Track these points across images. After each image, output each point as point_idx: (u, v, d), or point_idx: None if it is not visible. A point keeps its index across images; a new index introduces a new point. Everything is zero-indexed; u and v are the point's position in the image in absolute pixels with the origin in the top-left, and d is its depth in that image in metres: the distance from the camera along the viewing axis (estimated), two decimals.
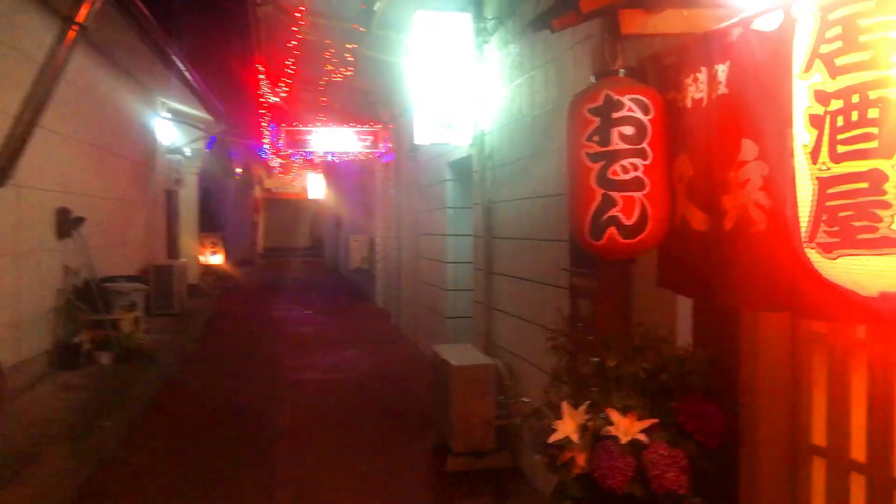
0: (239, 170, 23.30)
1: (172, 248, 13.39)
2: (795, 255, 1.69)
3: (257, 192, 31.45)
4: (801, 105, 1.58)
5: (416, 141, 8.54)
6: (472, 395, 5.23)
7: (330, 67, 8.48)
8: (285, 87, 10.30)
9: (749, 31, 1.93)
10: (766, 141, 1.91)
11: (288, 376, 7.98)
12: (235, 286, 17.54)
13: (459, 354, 5.54)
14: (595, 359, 3.04)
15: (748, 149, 1.96)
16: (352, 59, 8.34)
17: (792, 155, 1.64)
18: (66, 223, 7.34)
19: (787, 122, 1.67)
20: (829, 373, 2.36)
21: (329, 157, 12.51)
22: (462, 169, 7.51)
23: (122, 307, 7.94)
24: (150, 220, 11.67)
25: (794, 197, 1.64)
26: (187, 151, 14.14)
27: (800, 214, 1.61)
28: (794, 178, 1.63)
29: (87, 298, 7.47)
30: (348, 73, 8.60)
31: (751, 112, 1.96)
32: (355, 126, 12.00)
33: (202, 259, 16.15)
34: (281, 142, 11.80)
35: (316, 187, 32.02)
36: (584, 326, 3.79)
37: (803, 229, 1.61)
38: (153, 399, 6.76)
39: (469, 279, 7.63)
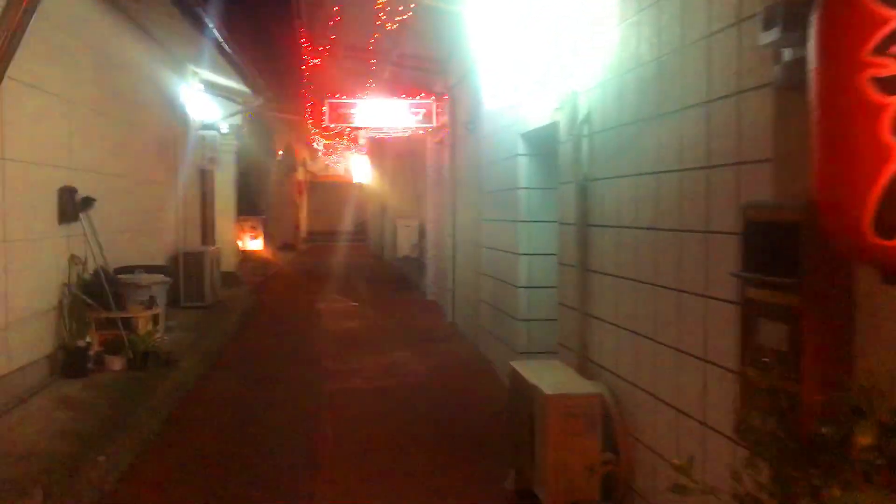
0: (280, 151, 22.28)
1: (207, 232, 12.34)
2: None
3: (300, 175, 30.49)
4: None
5: (487, 106, 7.28)
6: (571, 432, 3.95)
7: (382, 16, 7.20)
8: (328, 48, 9.09)
9: None
10: None
11: (330, 384, 6.81)
12: (276, 273, 16.50)
13: (549, 376, 4.27)
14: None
15: None
16: (405, 8, 7.06)
17: None
18: (72, 205, 6.24)
19: None
20: None
21: (376, 133, 11.28)
22: (541, 141, 6.20)
23: (138, 303, 6.84)
24: (180, 202, 10.61)
25: None
26: (224, 128, 13.08)
27: None
28: None
29: (96, 293, 6.38)
30: (401, 20, 7.30)
31: None
32: (406, 98, 10.74)
33: (240, 244, 15.11)
34: (325, 116, 10.60)
35: (360, 169, 31.11)
36: (775, 364, 2.49)
37: None
38: (168, 417, 5.63)
39: (550, 275, 6.34)
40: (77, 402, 5.35)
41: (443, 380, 7.02)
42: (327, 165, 34.41)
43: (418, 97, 10.76)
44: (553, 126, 5.44)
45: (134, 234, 8.41)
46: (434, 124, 10.72)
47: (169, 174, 10.13)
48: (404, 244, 13.35)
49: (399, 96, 10.75)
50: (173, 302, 9.72)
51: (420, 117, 10.68)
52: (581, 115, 4.67)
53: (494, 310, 7.28)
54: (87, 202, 6.47)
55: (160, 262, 9.18)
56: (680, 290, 3.43)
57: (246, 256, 15.49)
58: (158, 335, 6.88)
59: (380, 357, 8.03)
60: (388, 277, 16.22)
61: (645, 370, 3.79)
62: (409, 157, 14.99)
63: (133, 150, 8.49)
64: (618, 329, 4.15)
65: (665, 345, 3.55)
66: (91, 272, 6.49)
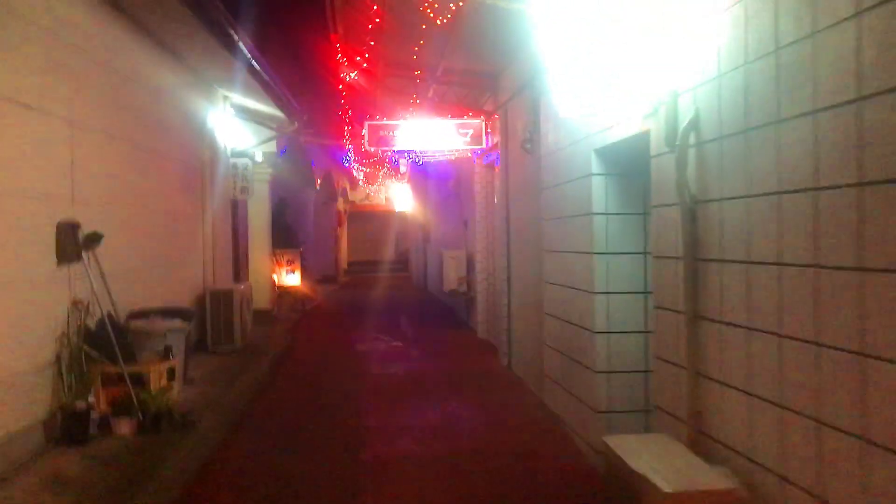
0: (319, 181, 21.67)
1: (239, 268, 11.63)
2: None
3: (340, 205, 29.92)
4: None
5: (550, 120, 6.41)
6: None
7: (429, 12, 6.36)
8: (367, 62, 8.30)
9: None
10: None
11: (372, 448, 5.89)
12: (314, 310, 15.71)
13: (659, 460, 3.29)
14: None
15: None
16: (455, 7, 6.22)
17: None
18: (74, 242, 5.48)
19: None
20: None
21: (419, 158, 10.47)
22: (621, 156, 5.26)
23: (152, 353, 6.03)
24: (209, 235, 9.88)
25: None
26: (258, 156, 12.43)
27: None
28: None
29: (102, 344, 5.58)
30: (453, 14, 6.45)
31: None
32: (452, 118, 9.91)
33: (276, 279, 14.38)
34: (364, 140, 9.81)
35: (402, 198, 30.52)
36: None
37: None
38: (180, 496, 4.76)
39: (633, 318, 5.38)
40: (71, 479, 4.52)
41: (505, 442, 6.04)
42: (368, 194, 33.89)
43: (465, 117, 9.92)
44: (640, 138, 4.51)
45: (153, 273, 7.66)
46: (484, 146, 9.85)
47: (195, 206, 9.41)
48: (451, 277, 12.43)
49: (445, 116, 9.93)
50: (200, 346, 8.97)
51: (468, 138, 9.82)
52: (685, 120, 3.73)
53: (563, 357, 6.30)
54: (93, 238, 5.71)
55: (184, 302, 8.42)
56: (861, 353, 2.45)
57: (282, 292, 14.74)
58: (175, 391, 6.04)
59: (429, 410, 7.09)
60: (434, 312, 15.31)
61: (799, 459, 2.79)
62: (455, 182, 14.13)
63: (153, 178, 7.78)
64: (750, 398, 3.16)
65: (837, 429, 2.56)
66: (96, 319, 5.70)
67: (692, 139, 3.70)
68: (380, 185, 30.81)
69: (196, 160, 9.52)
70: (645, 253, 5.42)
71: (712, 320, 3.50)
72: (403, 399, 7.59)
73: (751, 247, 3.17)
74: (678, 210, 3.79)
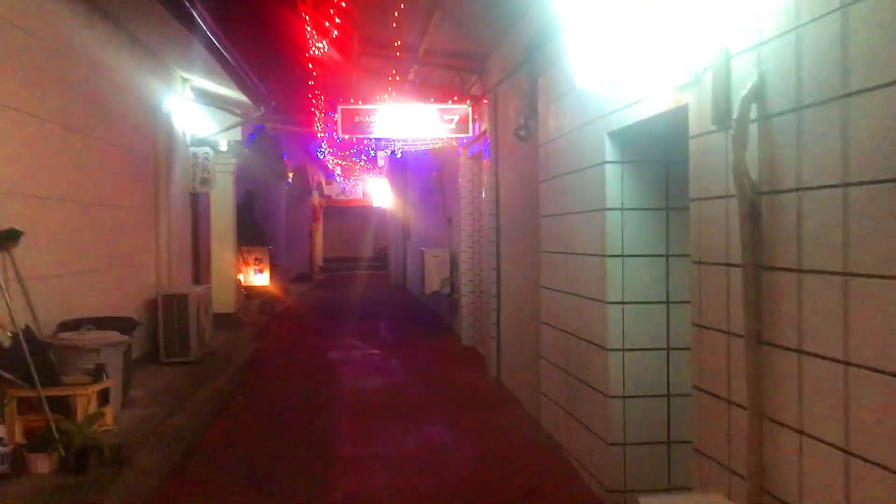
0: (291, 174, 20.75)
1: (200, 268, 10.71)
2: None
3: (315, 200, 28.99)
4: None
5: (550, 102, 5.63)
6: None
7: None
8: (337, 29, 7.44)
9: None
10: None
11: (346, 485, 5.05)
12: (284, 312, 14.80)
13: None
14: None
15: None
16: None
17: None
18: None
19: None
20: None
21: (399, 147, 9.63)
22: (642, 140, 4.48)
23: (81, 374, 5.14)
24: (164, 232, 8.97)
25: None
26: (222, 145, 11.50)
27: None
28: None
29: (15, 363, 4.69)
30: None
31: None
32: (435, 102, 9.07)
33: (242, 279, 13.47)
34: (337, 126, 8.94)
35: (380, 193, 29.70)
36: None
37: None
38: None
39: (655, 332, 4.61)
40: None
41: (500, 477, 5.22)
42: (345, 189, 33.02)
43: (450, 102, 9.09)
44: (673, 115, 3.71)
45: (93, 277, 6.77)
46: (470, 134, 9.03)
47: (147, 199, 8.50)
48: (433, 278, 11.59)
49: (427, 101, 9.09)
50: (151, 357, 8.07)
51: (453, 125, 8.99)
52: (743, 88, 2.92)
53: (565, 375, 5.49)
54: (8, 236, 4.82)
55: (131, 309, 7.52)
56: None
57: (250, 293, 13.83)
58: (109, 418, 5.15)
59: (410, 435, 6.27)
60: (415, 315, 14.46)
61: None
62: (437, 176, 13.30)
63: (93, 167, 6.88)
64: (849, 458, 2.36)
65: None
66: (10, 336, 4.80)
67: (754, 112, 2.89)
68: (357, 179, 29.96)
69: (148, 148, 8.60)
70: (667, 255, 4.63)
71: (786, 348, 2.71)
72: (381, 420, 6.75)
73: (849, 252, 2.37)
74: (731, 204, 3.00)
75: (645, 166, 4.60)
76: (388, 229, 29.21)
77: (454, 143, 9.69)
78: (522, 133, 6.93)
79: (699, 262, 3.41)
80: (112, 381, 5.24)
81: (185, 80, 10.07)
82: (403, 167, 21.23)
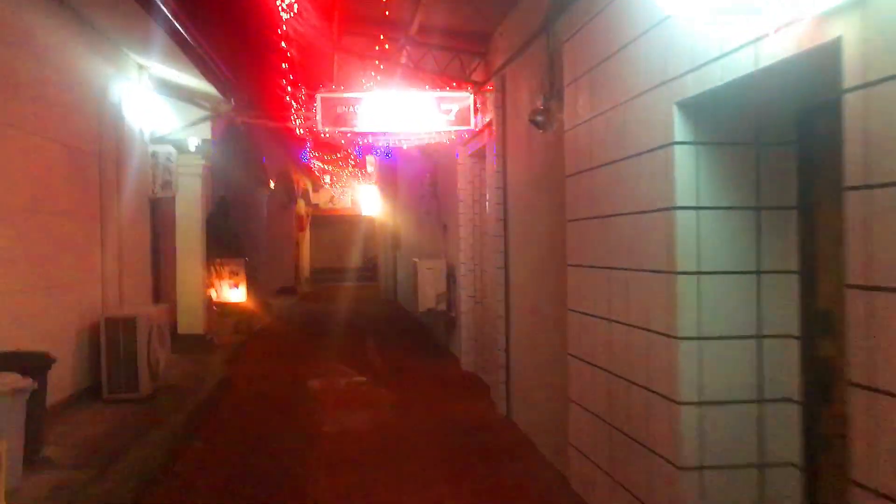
0: (272, 181, 19.45)
1: (161, 284, 9.43)
2: None
3: (301, 208, 27.69)
4: None
5: (581, 72, 4.43)
6: None
7: None
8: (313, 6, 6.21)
9: None
10: None
11: None
12: (262, 331, 13.46)
13: None
14: None
15: None
16: None
17: None
18: None
19: None
20: None
21: (388, 143, 8.39)
22: (730, 111, 3.29)
23: None
24: (113, 243, 7.69)
25: None
26: (191, 145, 10.24)
27: None
28: None
29: None
30: None
31: None
32: (430, 90, 7.83)
33: (215, 295, 12.17)
34: (317, 118, 7.68)
35: (369, 201, 28.51)
36: None
37: None
38: None
39: (745, 378, 3.37)
40: None
41: None
42: (332, 197, 31.79)
43: (448, 88, 7.85)
44: (802, 61, 2.48)
45: (12, 300, 5.49)
46: (472, 126, 7.79)
47: (90, 204, 7.22)
48: (428, 293, 10.32)
49: (421, 87, 7.85)
50: (92, 394, 6.79)
51: (452, 117, 7.74)
52: None
53: (610, 429, 4.23)
54: None
55: (64, 338, 6.25)
56: None
57: (223, 311, 12.53)
58: None
59: (403, 496, 4.99)
60: (407, 334, 13.17)
61: None
62: (432, 179, 12.06)
63: (16, 165, 5.61)
64: None
65: None
66: None
67: None
68: (345, 186, 28.74)
69: (92, 144, 7.32)
70: (758, 272, 3.40)
71: None
72: (369, 478, 5.45)
73: None
74: None
75: (729, 150, 3.37)
76: (378, 239, 28.00)
77: (453, 136, 8.44)
78: (540, 119, 5.69)
79: (866, 288, 2.17)
80: (3, 444, 3.94)
81: (141, 68, 8.81)
82: (393, 172, 20.00)
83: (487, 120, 7.55)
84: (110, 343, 6.77)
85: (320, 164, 22.61)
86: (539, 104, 5.76)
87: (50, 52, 6.40)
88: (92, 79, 7.35)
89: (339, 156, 20.72)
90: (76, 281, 6.79)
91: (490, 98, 7.43)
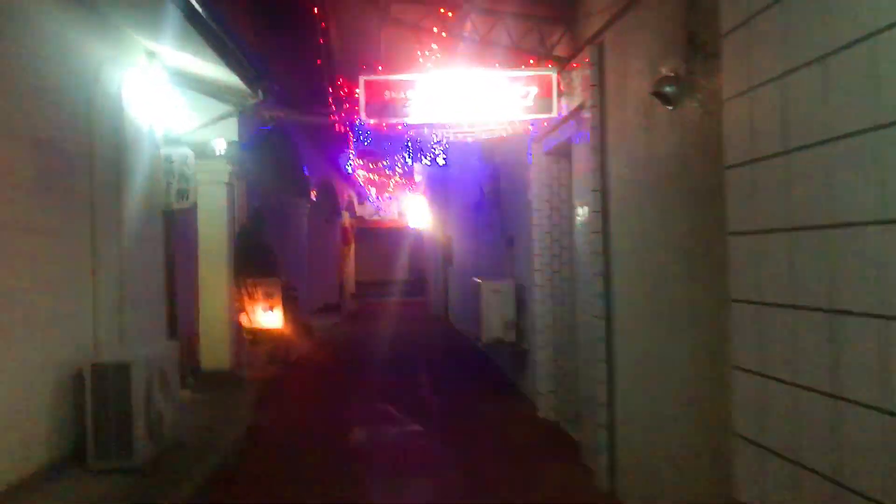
0: (314, 191, 18.11)
1: (177, 313, 8.01)
2: None
3: (346, 221, 26.39)
4: None
5: None
6: None
7: None
8: None
9: None
10: None
11: None
12: (299, 361, 11.96)
13: None
14: None
15: None
16: None
17: None
18: None
19: None
20: None
21: (446, 138, 6.85)
22: None
23: None
24: (112, 267, 6.28)
25: None
26: (218, 148, 8.88)
27: None
28: None
29: None
30: None
31: None
32: (499, 68, 6.26)
33: (246, 320, 10.76)
34: (360, 108, 6.17)
35: (416, 212, 27.28)
36: None
37: None
38: None
39: None
40: None
41: None
42: (378, 209, 30.55)
43: (523, 67, 6.27)
44: None
45: None
46: (554, 114, 6.20)
47: (78, 219, 5.80)
48: (495, 321, 8.71)
49: (490, 66, 6.29)
50: (75, 461, 5.35)
51: (529, 101, 6.16)
52: None
53: None
54: None
55: (42, 387, 4.83)
56: None
57: (256, 338, 11.12)
58: None
59: None
60: (464, 363, 11.56)
61: None
62: (492, 184, 10.49)
63: None
64: None
65: None
66: None
67: None
68: (391, 197, 27.46)
69: (81, 143, 5.91)
70: None
71: None
72: None
73: None
74: None
75: None
76: (426, 252, 26.62)
77: (529, 127, 6.85)
78: (670, 89, 4.08)
79: None
80: None
81: (151, 55, 7.42)
82: (444, 180, 18.51)
83: (576, 105, 5.96)
84: (98, 396, 5.31)
85: (364, 174, 21.29)
86: (668, 70, 4.17)
87: (35, 37, 5.01)
88: (84, 64, 5.96)
89: (384, 164, 19.36)
90: (55, 316, 5.37)
91: (579, 77, 5.85)
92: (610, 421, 5.46)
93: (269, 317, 11.43)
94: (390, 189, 24.70)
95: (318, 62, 7.03)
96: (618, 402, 5.35)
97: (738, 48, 3.31)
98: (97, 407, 5.32)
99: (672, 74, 4.11)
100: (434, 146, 13.76)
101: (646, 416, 4.79)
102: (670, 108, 4.16)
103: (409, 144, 11.20)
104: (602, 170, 5.48)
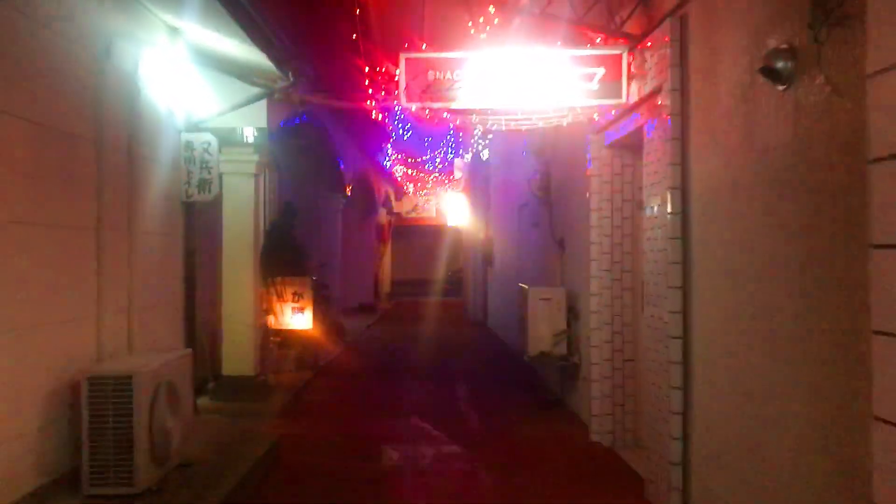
0: (349, 186, 17.49)
1: (195, 317, 7.40)
2: None
3: (382, 218, 25.80)
4: None
5: None
6: None
7: None
8: None
9: None
10: None
11: None
12: (331, 363, 11.31)
13: None
14: None
15: None
16: None
17: None
18: None
19: None
20: None
21: (496, 125, 6.11)
22: None
23: None
24: (121, 265, 5.68)
25: None
26: (248, 136, 8.30)
27: None
28: None
29: None
30: None
31: None
32: (560, 46, 5.52)
33: (273, 321, 10.15)
34: (400, 90, 5.47)
35: (455, 210, 26.73)
36: None
37: None
38: None
39: None
40: None
41: None
42: (416, 206, 29.93)
43: (588, 46, 5.52)
44: None
45: None
46: (623, 99, 5.44)
47: (80, 210, 5.19)
48: (542, 332, 7.95)
49: (552, 44, 5.53)
50: (69, 487, 4.73)
51: (594, 85, 5.41)
52: None
53: None
54: None
55: (32, 401, 4.22)
56: None
57: (285, 341, 10.50)
58: None
59: None
60: (507, 376, 10.79)
61: None
62: (542, 180, 9.73)
63: None
64: None
65: None
66: None
67: None
68: (430, 194, 26.88)
69: (87, 126, 5.30)
70: None
71: None
72: None
73: None
74: None
75: None
76: (464, 252, 25.97)
77: (595, 116, 6.08)
78: (784, 65, 3.32)
79: None
80: None
81: (173, 31, 6.82)
82: (485, 175, 17.78)
83: (649, 90, 5.18)
84: (96, 413, 4.70)
85: (403, 168, 20.67)
86: (779, 41, 3.40)
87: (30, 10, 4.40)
88: (88, 33, 5.34)
89: (424, 158, 18.71)
90: (50, 320, 4.76)
91: (654, 56, 5.07)
92: (685, 458, 4.70)
93: (298, 318, 10.79)
94: (429, 185, 24.08)
95: (354, 36, 6.31)
96: (696, 438, 4.59)
97: (890, 6, 2.54)
98: (94, 425, 4.70)
99: (786, 46, 3.34)
100: (477, 140, 13.06)
101: (740, 461, 4.01)
102: (782, 88, 3.39)
103: (451, 137, 10.48)
104: (683, 165, 4.71)
